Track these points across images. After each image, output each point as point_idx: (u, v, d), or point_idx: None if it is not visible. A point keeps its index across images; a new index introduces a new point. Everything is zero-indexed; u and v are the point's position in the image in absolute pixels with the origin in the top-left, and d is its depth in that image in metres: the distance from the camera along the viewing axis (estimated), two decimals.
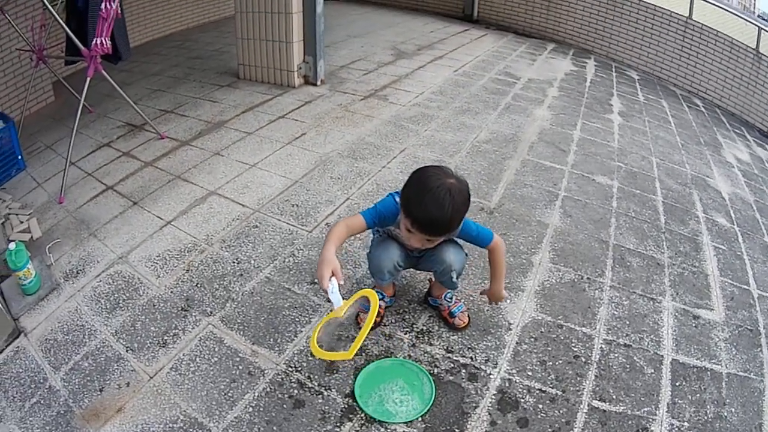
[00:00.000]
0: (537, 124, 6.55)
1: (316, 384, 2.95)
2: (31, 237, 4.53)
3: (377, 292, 3.30)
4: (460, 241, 3.09)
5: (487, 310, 3.46)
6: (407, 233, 2.74)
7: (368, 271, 3.28)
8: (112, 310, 3.58)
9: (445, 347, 3.18)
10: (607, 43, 11.28)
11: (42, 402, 2.97)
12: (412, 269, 3.33)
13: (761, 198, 6.09)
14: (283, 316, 3.43)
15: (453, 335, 3.27)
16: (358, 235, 4.05)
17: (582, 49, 11.57)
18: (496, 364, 3.09)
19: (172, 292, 3.71)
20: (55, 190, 5.20)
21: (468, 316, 3.34)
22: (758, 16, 15.33)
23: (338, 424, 2.73)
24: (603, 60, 11.12)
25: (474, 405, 2.83)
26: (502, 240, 3.07)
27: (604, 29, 11.26)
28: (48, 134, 6.87)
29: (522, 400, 2.87)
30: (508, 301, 3.57)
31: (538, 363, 3.10)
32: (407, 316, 3.42)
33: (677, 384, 3.05)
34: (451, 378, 2.98)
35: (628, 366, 3.14)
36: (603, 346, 3.26)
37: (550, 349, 3.21)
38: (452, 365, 3.06)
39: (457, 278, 3.09)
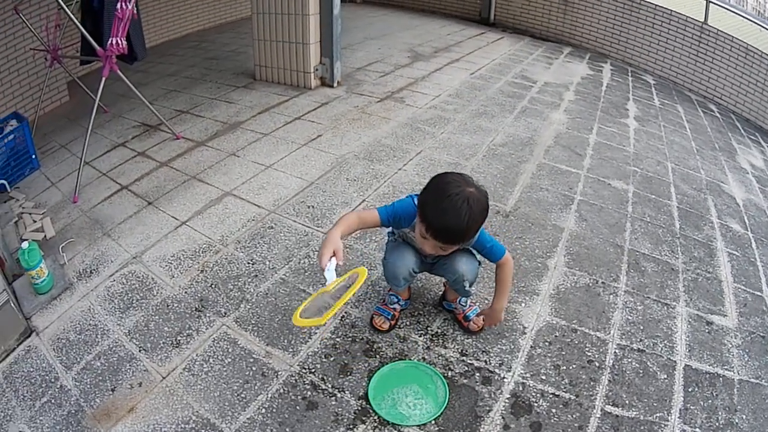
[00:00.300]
0: (553, 128, 6.53)
1: (329, 386, 2.94)
2: (45, 236, 4.55)
3: (392, 295, 3.31)
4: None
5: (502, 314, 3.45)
6: (421, 239, 2.72)
7: (383, 275, 3.27)
8: (125, 310, 3.58)
9: (459, 350, 3.17)
10: (624, 48, 11.24)
11: (53, 401, 2.98)
12: (426, 272, 3.31)
13: None
14: None
15: (467, 338, 3.26)
16: (374, 238, 4.06)
17: (598, 53, 11.53)
18: (510, 367, 3.07)
19: (186, 292, 3.71)
20: (69, 189, 5.22)
21: (483, 319, 3.32)
22: None
23: (351, 427, 2.73)
24: (619, 64, 11.07)
25: (487, 408, 2.82)
26: (511, 258, 3.06)
27: (620, 33, 11.22)
28: (62, 134, 6.89)
29: (535, 404, 2.85)
30: (523, 305, 3.55)
31: (552, 367, 3.09)
32: (422, 319, 3.41)
33: (689, 390, 3.03)
34: (465, 381, 2.97)
35: (641, 371, 3.12)
36: (617, 350, 3.25)
37: (564, 353, 3.19)
38: (466, 368, 3.05)
39: (470, 287, 3.08)
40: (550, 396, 2.90)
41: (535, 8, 12.52)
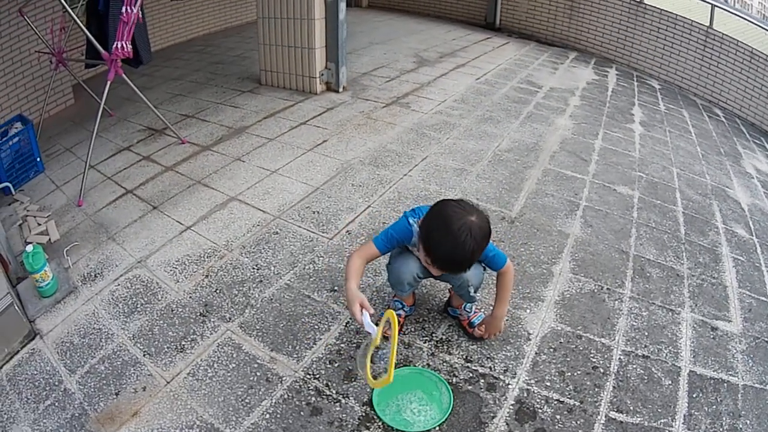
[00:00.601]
0: (559, 134, 6.53)
1: (333, 392, 2.94)
2: (49, 239, 4.55)
3: (397, 301, 3.31)
4: None
5: (507, 320, 3.43)
6: (426, 263, 2.77)
7: (387, 281, 3.26)
8: (129, 314, 3.59)
9: (464, 357, 3.17)
10: (629, 52, 11.24)
11: (56, 404, 2.98)
12: (431, 278, 3.31)
13: None
14: (303, 323, 3.42)
15: (472, 345, 3.26)
16: None
17: (604, 58, 11.53)
18: (515, 374, 3.07)
19: (190, 297, 3.71)
20: (74, 193, 5.23)
21: (484, 329, 3.32)
22: None
23: None
24: (625, 69, 11.07)
25: (492, 415, 2.81)
26: (512, 266, 3.07)
27: (625, 38, 11.21)
28: (67, 137, 6.91)
29: (540, 411, 2.85)
30: (528, 311, 3.55)
31: (557, 373, 3.08)
32: (427, 325, 3.41)
33: (694, 396, 3.03)
34: (469, 387, 2.97)
35: (646, 377, 3.11)
36: (621, 357, 3.24)
37: (568, 359, 3.19)
38: (471, 375, 3.05)
39: (474, 292, 3.08)
40: (555, 402, 2.90)
41: (540, 13, 12.53)
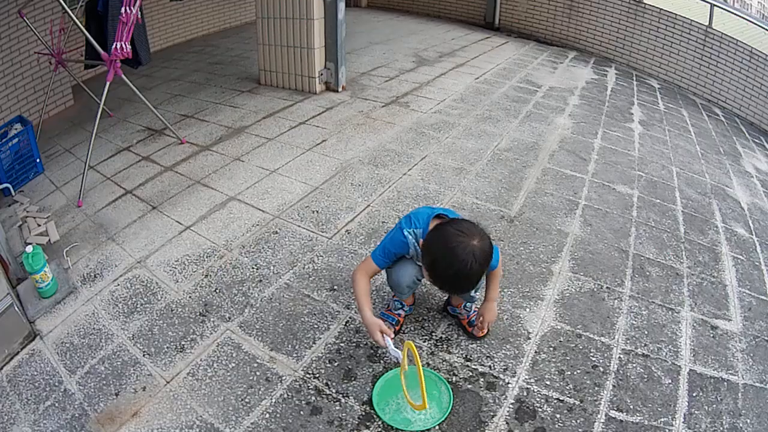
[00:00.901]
0: (558, 133, 6.53)
1: (333, 391, 2.94)
2: (49, 240, 4.55)
3: (396, 301, 3.31)
4: None
5: (507, 319, 3.44)
6: (429, 282, 2.83)
7: (387, 283, 3.26)
8: (129, 315, 3.59)
9: (463, 356, 3.17)
10: (628, 52, 11.23)
11: (56, 405, 2.98)
12: None
13: None
14: (302, 322, 3.42)
15: (472, 344, 3.26)
16: (377, 242, 4.06)
17: (603, 58, 11.52)
18: (515, 373, 3.07)
19: (190, 297, 3.71)
20: (74, 193, 5.23)
21: (481, 320, 3.32)
22: None
23: None
24: (624, 68, 11.06)
25: (492, 414, 2.81)
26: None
27: (625, 38, 11.21)
28: (67, 138, 6.91)
29: (540, 410, 2.85)
30: (528, 310, 3.55)
31: (557, 372, 3.08)
32: (426, 324, 3.41)
33: (694, 394, 3.03)
34: (469, 386, 2.97)
35: (645, 376, 3.11)
36: (621, 356, 3.24)
37: (568, 358, 3.19)
38: (470, 374, 3.05)
39: (475, 292, 3.09)
40: (555, 401, 2.90)
41: (539, 12, 12.52)
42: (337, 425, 2.75)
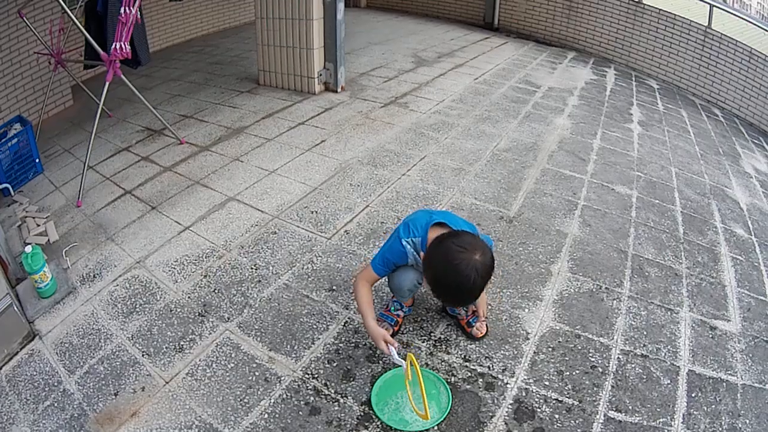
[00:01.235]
0: (557, 133, 6.53)
1: (332, 391, 2.94)
2: (48, 240, 4.55)
3: (395, 302, 3.31)
4: None
5: (506, 320, 3.45)
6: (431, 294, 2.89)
7: (388, 286, 3.26)
8: (128, 315, 3.59)
9: (462, 356, 3.17)
10: (627, 52, 11.23)
11: (56, 405, 2.98)
12: None
13: None
14: (301, 322, 3.43)
15: (471, 344, 3.26)
16: (377, 244, 4.08)
17: (602, 58, 11.52)
18: (514, 373, 3.07)
19: (189, 297, 3.71)
20: (73, 193, 5.23)
21: (486, 325, 3.32)
22: None
23: None
24: (623, 69, 11.06)
25: (490, 414, 2.82)
26: None
27: (624, 38, 11.21)
28: (66, 138, 6.91)
29: (538, 410, 2.85)
30: (527, 310, 3.55)
31: (556, 373, 3.09)
32: (425, 325, 3.41)
33: (693, 395, 3.03)
34: (468, 387, 2.97)
35: (644, 377, 3.11)
36: (620, 356, 3.24)
37: (567, 359, 3.19)
38: (469, 374, 3.05)
39: None
40: (553, 402, 2.90)
41: (539, 13, 12.52)
42: (336, 425, 2.75)
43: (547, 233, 4.43)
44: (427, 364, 3.11)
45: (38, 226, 4.76)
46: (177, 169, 5.59)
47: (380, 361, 3.11)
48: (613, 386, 3.02)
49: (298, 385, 2.99)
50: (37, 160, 5.88)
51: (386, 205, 4.73)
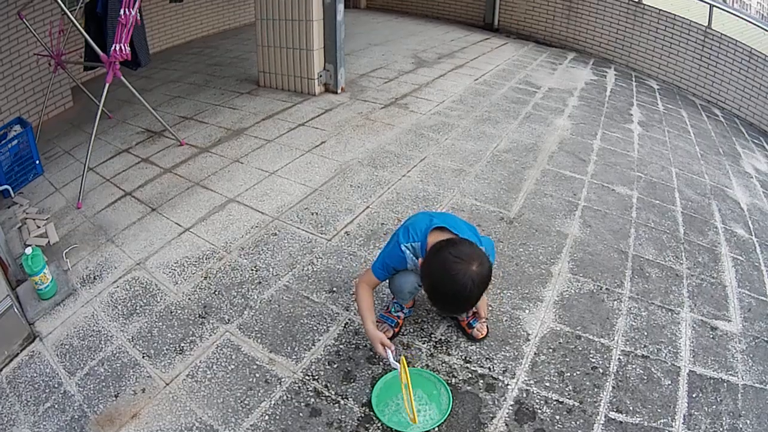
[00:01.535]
0: (557, 134, 6.53)
1: (333, 393, 2.94)
2: (48, 242, 4.55)
3: (396, 303, 3.31)
4: None
5: (506, 321, 3.44)
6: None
7: (389, 288, 3.26)
8: (128, 316, 3.59)
9: (463, 357, 3.17)
10: (627, 53, 11.23)
11: (56, 406, 2.99)
12: None
13: None
14: (301, 324, 3.42)
15: (471, 345, 3.26)
16: (378, 245, 4.08)
17: (602, 59, 11.51)
18: (514, 374, 3.07)
19: (189, 299, 3.71)
20: (73, 195, 5.23)
21: (487, 326, 3.32)
22: None
23: None
24: (623, 69, 11.06)
25: (491, 415, 2.81)
26: None
27: (624, 39, 11.20)
28: (66, 139, 6.91)
29: (539, 411, 2.85)
30: (527, 311, 3.55)
31: (556, 374, 3.08)
32: (426, 326, 3.40)
33: (694, 395, 3.03)
34: (468, 388, 2.97)
35: (645, 377, 3.11)
36: (621, 357, 3.24)
37: (568, 360, 3.19)
38: (470, 375, 3.05)
39: None
40: (554, 403, 2.90)
41: (539, 14, 12.51)
42: (337, 427, 2.75)
43: (548, 234, 4.42)
44: (427, 366, 3.10)
45: (38, 227, 4.76)
46: (177, 170, 5.59)
47: (380, 363, 3.11)
48: (613, 387, 3.02)
49: (299, 387, 2.98)
50: (37, 162, 5.88)
51: (386, 206, 4.73)
